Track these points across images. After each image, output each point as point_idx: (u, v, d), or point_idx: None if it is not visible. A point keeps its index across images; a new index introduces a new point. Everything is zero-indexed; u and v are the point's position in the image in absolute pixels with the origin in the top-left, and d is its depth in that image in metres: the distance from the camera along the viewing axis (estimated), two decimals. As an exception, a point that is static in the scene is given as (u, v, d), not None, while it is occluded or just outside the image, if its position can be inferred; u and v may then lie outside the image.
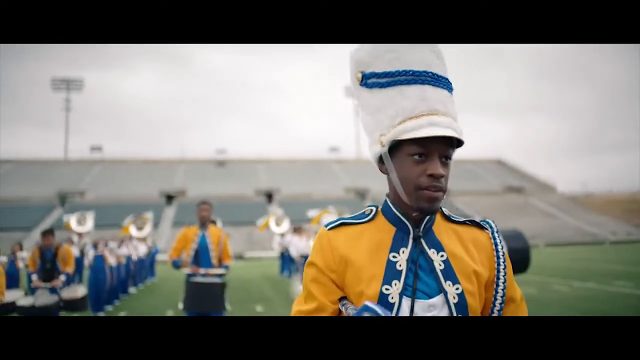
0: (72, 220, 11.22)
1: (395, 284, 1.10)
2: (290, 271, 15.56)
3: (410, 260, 1.13)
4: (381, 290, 1.10)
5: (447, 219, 1.23)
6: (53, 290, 6.38)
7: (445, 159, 1.11)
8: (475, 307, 1.14)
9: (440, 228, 1.20)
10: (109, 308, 10.18)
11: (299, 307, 1.21)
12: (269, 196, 47.18)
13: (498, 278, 1.18)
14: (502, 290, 1.17)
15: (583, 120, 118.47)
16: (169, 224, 38.60)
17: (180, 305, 5.05)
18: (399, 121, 1.10)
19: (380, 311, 1.01)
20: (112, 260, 9.94)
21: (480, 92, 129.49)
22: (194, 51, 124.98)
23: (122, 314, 9.41)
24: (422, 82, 1.11)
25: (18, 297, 5.93)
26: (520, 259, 7.21)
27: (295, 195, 46.33)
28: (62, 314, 6.21)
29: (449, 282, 1.11)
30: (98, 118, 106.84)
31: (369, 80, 1.16)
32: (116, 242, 11.24)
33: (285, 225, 16.69)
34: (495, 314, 1.17)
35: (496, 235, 1.22)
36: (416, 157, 1.10)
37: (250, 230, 35.13)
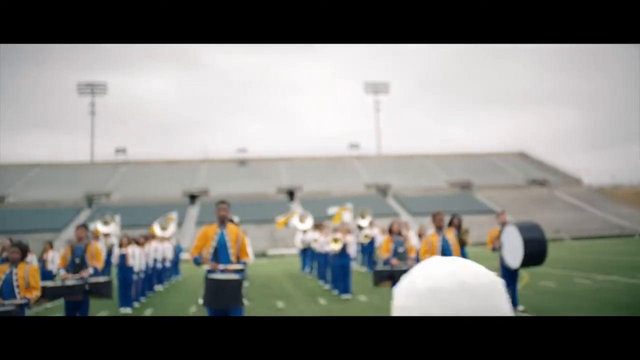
0: (98, 223, 11.65)
1: None
2: (312, 268, 15.76)
3: None
4: None
5: None
6: (80, 279, 6.76)
7: None
8: None
9: None
10: (136, 304, 10.56)
11: None
12: (291, 194, 47.49)
13: None
14: None
15: (610, 109, 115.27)
16: (193, 223, 39.22)
17: (200, 301, 5.26)
18: None
19: None
20: (133, 262, 10.30)
21: (500, 83, 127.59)
22: (213, 52, 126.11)
23: (149, 310, 9.73)
24: None
25: (48, 283, 6.32)
26: (536, 251, 7.24)
27: (316, 192, 46.53)
28: (74, 314, 6.53)
29: None
30: (121, 121, 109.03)
31: None
32: (141, 242, 11.60)
33: (309, 222, 16.91)
34: None
35: None
36: None
37: (272, 228, 35.46)
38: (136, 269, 10.51)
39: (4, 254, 9.07)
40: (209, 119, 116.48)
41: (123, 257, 10.23)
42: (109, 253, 11.52)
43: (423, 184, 49.97)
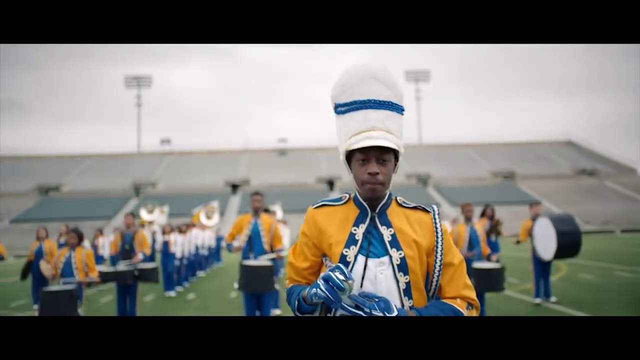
0: (143, 211, 12.33)
1: (352, 248, 1.57)
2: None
3: (367, 232, 1.58)
4: (342, 252, 1.57)
5: (400, 205, 1.66)
6: (129, 265, 7.39)
7: (383, 161, 1.54)
8: (414, 268, 1.55)
9: (393, 211, 1.63)
10: (179, 289, 11.17)
11: (293, 260, 1.71)
12: (331, 184, 47.80)
13: (437, 246, 1.58)
14: (440, 255, 1.58)
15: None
16: (234, 212, 40.20)
17: (236, 285, 5.61)
18: (348, 137, 1.57)
19: (345, 271, 1.44)
20: (175, 248, 10.93)
21: (546, 68, 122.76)
22: (252, 45, 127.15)
23: (191, 294, 10.26)
24: (366, 108, 1.56)
25: (102, 268, 6.97)
26: (569, 243, 7.21)
27: (356, 182, 46.61)
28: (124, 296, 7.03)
29: (394, 249, 1.55)
30: (166, 112, 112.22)
31: (336, 109, 1.64)
32: (183, 230, 12.20)
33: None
34: (436, 273, 1.58)
35: (436, 216, 1.64)
36: (360, 161, 1.55)
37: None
38: (178, 255, 11.13)
39: (62, 239, 9.83)
40: (250, 110, 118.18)
41: (166, 244, 10.85)
42: (152, 240, 12.20)
43: (464, 173, 49.18)
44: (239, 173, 51.20)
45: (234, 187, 47.84)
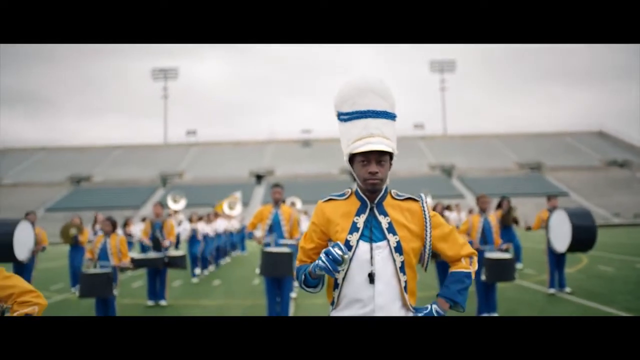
0: (169, 200, 12.89)
1: (355, 235, 1.93)
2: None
3: (367, 221, 1.95)
4: (346, 238, 1.93)
5: (394, 197, 2.02)
6: (159, 252, 7.95)
7: (380, 162, 1.91)
8: (407, 249, 1.91)
9: (389, 203, 2.00)
10: (205, 272, 11.79)
11: (303, 244, 2.08)
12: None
13: (426, 227, 1.96)
14: (430, 234, 1.96)
15: None
16: (259, 202, 40.82)
17: (257, 270, 5.97)
18: (351, 142, 1.93)
19: (342, 247, 1.80)
20: (200, 237, 11.51)
21: (576, 56, 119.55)
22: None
23: (216, 281, 10.71)
24: (366, 117, 1.92)
25: (134, 255, 7.60)
26: (584, 238, 7.33)
27: (379, 173, 46.63)
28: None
29: (390, 234, 1.92)
30: (191, 104, 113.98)
31: (340, 116, 2.00)
32: (209, 219, 12.70)
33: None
34: (427, 247, 1.95)
35: (424, 203, 2.01)
36: (362, 162, 1.92)
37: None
38: (203, 243, 11.72)
39: (97, 227, 10.44)
40: (274, 101, 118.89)
41: (193, 232, 11.37)
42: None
43: (489, 164, 48.65)
44: (263, 164, 51.83)
45: (259, 178, 48.47)
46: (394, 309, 1.86)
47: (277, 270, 5.70)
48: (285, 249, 5.81)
